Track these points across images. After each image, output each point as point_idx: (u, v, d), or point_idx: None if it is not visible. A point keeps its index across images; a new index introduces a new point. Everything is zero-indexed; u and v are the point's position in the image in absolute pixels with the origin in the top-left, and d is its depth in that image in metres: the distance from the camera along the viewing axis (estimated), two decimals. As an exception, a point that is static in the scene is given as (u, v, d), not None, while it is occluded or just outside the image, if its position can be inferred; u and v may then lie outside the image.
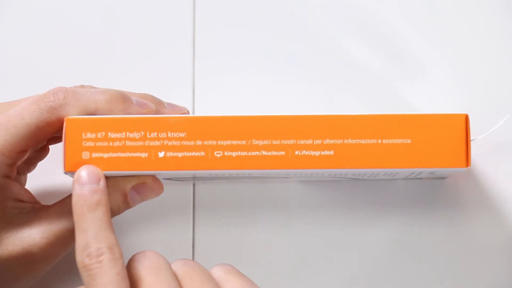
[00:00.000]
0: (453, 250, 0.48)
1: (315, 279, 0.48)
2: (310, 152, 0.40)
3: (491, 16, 0.50)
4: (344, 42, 0.50)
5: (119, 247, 0.36)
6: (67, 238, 0.41)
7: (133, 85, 0.45)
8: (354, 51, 0.50)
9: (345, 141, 0.40)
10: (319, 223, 0.49)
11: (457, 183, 0.48)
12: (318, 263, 0.48)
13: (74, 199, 0.37)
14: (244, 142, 0.40)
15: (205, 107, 0.49)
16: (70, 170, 0.39)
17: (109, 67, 0.50)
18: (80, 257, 0.35)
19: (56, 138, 0.43)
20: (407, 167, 0.40)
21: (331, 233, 0.49)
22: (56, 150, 0.44)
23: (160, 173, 0.41)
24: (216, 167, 0.40)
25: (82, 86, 0.44)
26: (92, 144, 0.40)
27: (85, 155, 0.40)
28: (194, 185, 0.49)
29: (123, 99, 0.41)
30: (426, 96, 0.49)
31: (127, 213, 0.43)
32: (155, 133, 0.40)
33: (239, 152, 0.40)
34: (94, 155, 0.40)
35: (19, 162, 0.41)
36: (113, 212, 0.41)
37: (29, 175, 0.45)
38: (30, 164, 0.45)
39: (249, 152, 0.40)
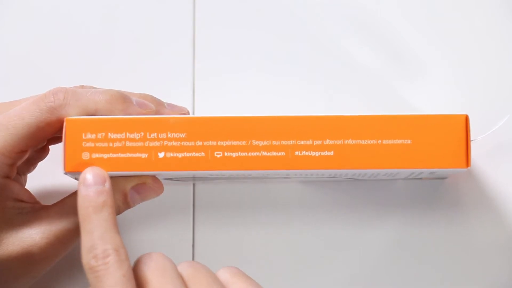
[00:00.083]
0: (453, 250, 0.48)
1: (315, 279, 0.48)
2: (310, 153, 0.40)
3: (491, 16, 0.50)
4: (344, 42, 0.50)
5: (125, 249, 0.36)
6: (67, 238, 0.41)
7: (133, 85, 0.45)
8: (354, 51, 0.50)
9: (345, 142, 0.40)
10: (319, 223, 0.49)
11: (457, 183, 0.48)
12: (318, 263, 0.48)
13: (80, 201, 0.37)
14: (244, 142, 0.40)
15: (205, 107, 0.49)
16: (70, 171, 0.39)
17: (109, 67, 0.50)
18: (86, 258, 0.35)
19: (56, 139, 0.43)
20: (407, 167, 0.40)
21: (331, 233, 0.49)
22: (56, 150, 0.44)
23: (160, 174, 0.41)
24: (216, 168, 0.40)
25: (82, 86, 0.44)
26: (92, 144, 0.40)
27: (85, 155, 0.40)
28: (194, 185, 0.49)
29: (123, 99, 0.41)
30: (426, 96, 0.49)
31: (127, 213, 0.43)
32: (155, 134, 0.40)
33: (239, 152, 0.40)
34: (94, 155, 0.40)
35: (19, 162, 0.41)
36: (113, 212, 0.41)
37: (29, 175, 0.45)
38: (30, 164, 0.45)
39: (249, 153, 0.40)
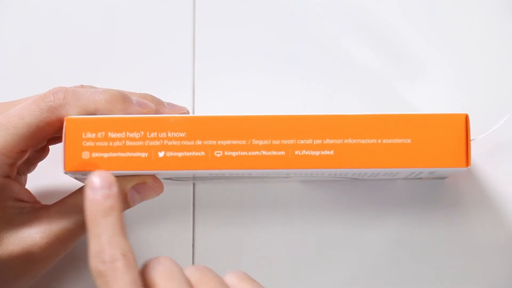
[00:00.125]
0: (453, 250, 0.48)
1: (315, 279, 0.48)
2: (310, 152, 0.40)
3: (491, 16, 0.50)
4: (344, 42, 0.50)
5: (133, 254, 0.35)
6: (67, 238, 0.41)
7: (133, 85, 0.45)
8: (354, 51, 0.50)
9: (345, 141, 0.40)
10: (319, 223, 0.49)
11: (457, 183, 0.48)
12: (318, 263, 0.48)
13: (87, 205, 0.36)
14: (244, 142, 0.40)
15: (205, 107, 0.49)
16: (70, 170, 0.39)
17: (109, 67, 0.50)
18: (94, 263, 0.35)
19: (56, 138, 0.43)
20: (407, 167, 0.40)
21: (331, 233, 0.48)
22: (56, 150, 0.44)
23: (160, 173, 0.41)
24: (216, 167, 0.40)
25: (82, 86, 0.44)
26: (92, 144, 0.40)
27: (85, 155, 0.40)
28: (194, 185, 0.49)
29: (123, 99, 0.41)
30: (426, 96, 0.49)
31: (127, 213, 0.43)
32: (155, 133, 0.40)
33: (239, 152, 0.40)
34: (94, 155, 0.40)
35: (19, 162, 0.41)
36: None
37: (29, 175, 0.45)
38: (30, 164, 0.45)
39: (249, 152, 0.40)
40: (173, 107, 0.43)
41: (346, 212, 0.49)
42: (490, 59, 0.49)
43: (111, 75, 0.50)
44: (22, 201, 0.42)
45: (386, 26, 0.50)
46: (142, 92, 0.43)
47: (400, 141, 0.40)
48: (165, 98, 0.44)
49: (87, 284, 0.48)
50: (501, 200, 0.48)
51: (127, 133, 0.40)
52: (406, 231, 0.48)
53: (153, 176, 0.41)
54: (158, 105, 0.42)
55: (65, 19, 0.50)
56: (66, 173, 0.40)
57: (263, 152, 0.40)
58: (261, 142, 0.40)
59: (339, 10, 0.50)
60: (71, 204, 0.41)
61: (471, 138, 0.40)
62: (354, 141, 0.40)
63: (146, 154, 0.40)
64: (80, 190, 0.42)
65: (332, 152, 0.40)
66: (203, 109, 0.49)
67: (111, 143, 0.40)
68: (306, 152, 0.40)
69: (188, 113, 0.44)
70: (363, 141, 0.40)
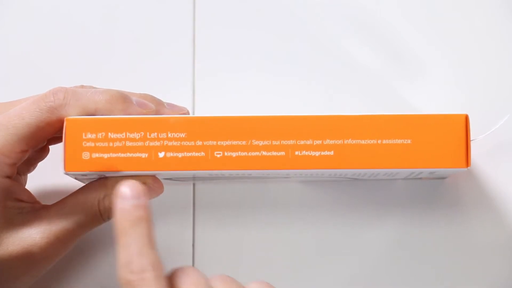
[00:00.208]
0: (453, 250, 0.48)
1: (315, 279, 0.48)
2: (310, 153, 0.40)
3: (491, 16, 0.50)
4: (344, 42, 0.50)
5: (162, 264, 0.35)
6: (67, 238, 0.41)
7: (133, 85, 0.45)
8: (354, 51, 0.50)
9: (345, 142, 0.40)
10: (319, 223, 0.49)
11: (457, 183, 0.48)
12: (318, 263, 0.48)
13: (117, 214, 0.36)
14: (244, 142, 0.40)
15: (205, 107, 0.49)
16: (70, 170, 0.39)
17: (109, 67, 0.50)
18: (123, 272, 0.35)
19: (56, 138, 0.43)
20: (407, 167, 0.40)
21: (331, 233, 0.48)
22: (56, 150, 0.44)
23: (160, 173, 0.41)
24: (216, 167, 0.40)
25: (82, 86, 0.44)
26: (92, 144, 0.40)
27: (85, 155, 0.40)
28: (194, 185, 0.49)
29: (123, 99, 0.41)
30: (426, 96, 0.49)
31: (127, 213, 0.42)
32: (155, 134, 0.40)
33: (239, 152, 0.40)
34: (94, 155, 0.40)
35: (19, 162, 0.41)
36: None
37: (29, 175, 0.45)
38: (30, 164, 0.45)
39: (249, 153, 0.40)
40: (173, 108, 0.43)
41: (346, 212, 0.49)
42: (490, 59, 0.49)
43: (111, 75, 0.50)
44: (22, 201, 0.42)
45: (386, 26, 0.50)
46: (142, 92, 0.43)
47: (400, 141, 0.40)
48: (165, 98, 0.44)
49: (87, 284, 0.48)
50: (501, 200, 0.48)
51: (127, 134, 0.40)
52: (406, 231, 0.48)
53: (153, 177, 0.41)
54: (158, 106, 0.42)
55: (65, 19, 0.50)
56: (66, 173, 0.40)
57: (263, 152, 0.40)
58: (261, 143, 0.40)
59: (339, 10, 0.50)
60: (71, 204, 0.41)
61: (471, 139, 0.40)
62: (354, 141, 0.40)
63: (146, 155, 0.40)
64: (80, 190, 0.42)
65: (332, 153, 0.40)
66: (203, 109, 0.49)
67: (111, 144, 0.40)
68: (306, 153, 0.40)
69: (188, 113, 0.44)
70: (363, 142, 0.40)
